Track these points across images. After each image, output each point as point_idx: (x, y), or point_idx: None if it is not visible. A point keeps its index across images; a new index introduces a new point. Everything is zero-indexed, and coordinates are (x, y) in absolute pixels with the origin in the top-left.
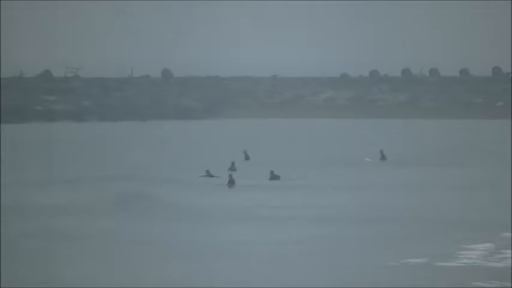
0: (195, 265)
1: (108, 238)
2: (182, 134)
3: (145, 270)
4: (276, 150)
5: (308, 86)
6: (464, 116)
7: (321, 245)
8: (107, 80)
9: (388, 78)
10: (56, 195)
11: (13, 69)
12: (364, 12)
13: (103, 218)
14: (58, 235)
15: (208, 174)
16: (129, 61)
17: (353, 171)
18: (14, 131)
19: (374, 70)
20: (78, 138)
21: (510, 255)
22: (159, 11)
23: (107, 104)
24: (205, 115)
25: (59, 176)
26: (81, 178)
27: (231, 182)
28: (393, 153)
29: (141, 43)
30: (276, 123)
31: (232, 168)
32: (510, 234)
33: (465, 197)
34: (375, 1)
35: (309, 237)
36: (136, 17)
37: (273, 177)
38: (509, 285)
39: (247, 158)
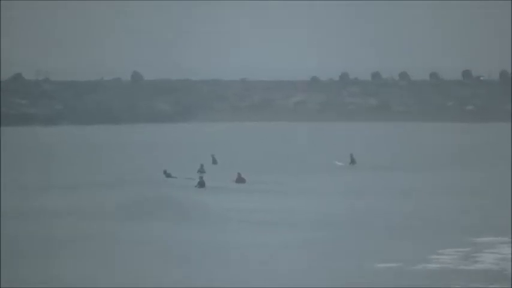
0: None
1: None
2: (153, 137)
3: (141, 270)
4: (245, 154)
5: (279, 90)
6: (435, 119)
7: (293, 249)
8: (78, 83)
9: (358, 82)
10: (32, 198)
11: None
12: (334, 16)
13: (98, 220)
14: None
15: (167, 175)
16: (100, 64)
17: (323, 175)
18: None
19: (344, 73)
20: (52, 142)
21: (483, 259)
22: (121, 13)
23: (79, 108)
24: (176, 118)
25: (34, 180)
26: (52, 184)
27: (201, 184)
28: (364, 157)
29: (111, 46)
30: (246, 127)
31: (201, 170)
32: (484, 239)
33: (436, 201)
34: (345, 4)
35: (279, 242)
36: (98, 20)
37: (240, 180)
38: (497, 286)
39: (214, 162)
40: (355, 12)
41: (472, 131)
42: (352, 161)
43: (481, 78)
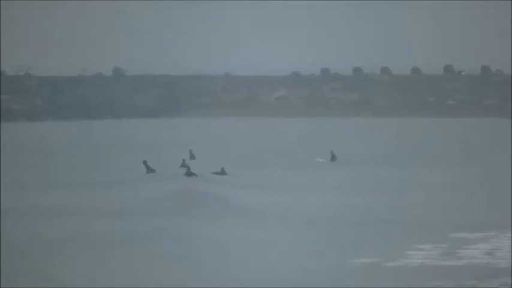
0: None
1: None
2: (136, 133)
3: (140, 270)
4: (225, 149)
5: (261, 85)
6: (417, 115)
7: (270, 245)
8: (59, 78)
9: (340, 77)
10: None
11: None
12: (315, 12)
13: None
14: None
15: (147, 168)
16: (81, 59)
17: (303, 171)
18: None
19: (325, 68)
20: (34, 138)
21: (462, 255)
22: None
23: (59, 103)
24: (158, 113)
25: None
26: (28, 182)
27: (189, 175)
28: (344, 153)
29: (92, 42)
30: (228, 122)
31: (184, 165)
32: (462, 234)
33: (417, 197)
34: (325, 2)
35: (255, 239)
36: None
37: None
38: (467, 283)
39: (192, 157)
40: (336, 9)
41: (454, 126)
42: (333, 158)
43: (463, 73)
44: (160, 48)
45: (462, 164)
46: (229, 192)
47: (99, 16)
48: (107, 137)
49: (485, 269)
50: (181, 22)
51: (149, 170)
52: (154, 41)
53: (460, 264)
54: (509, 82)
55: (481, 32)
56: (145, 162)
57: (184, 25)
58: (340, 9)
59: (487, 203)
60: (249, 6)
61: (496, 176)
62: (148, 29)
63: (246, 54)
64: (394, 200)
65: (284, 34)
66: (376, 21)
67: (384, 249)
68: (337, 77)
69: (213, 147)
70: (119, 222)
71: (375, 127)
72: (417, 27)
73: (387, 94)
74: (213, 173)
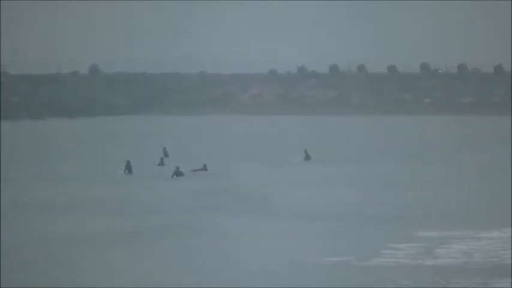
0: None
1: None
2: (111, 130)
3: (139, 270)
4: (198, 147)
5: (236, 83)
6: (393, 112)
7: (243, 242)
8: (35, 76)
9: (316, 75)
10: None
11: None
12: (292, 11)
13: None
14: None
15: (128, 168)
16: (56, 57)
17: (276, 169)
18: None
19: (301, 66)
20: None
21: (439, 254)
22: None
23: (35, 101)
24: (133, 111)
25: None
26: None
27: (177, 174)
28: (319, 151)
29: (67, 39)
30: (203, 120)
31: (161, 163)
32: (434, 233)
33: (390, 195)
34: (301, 2)
35: (230, 235)
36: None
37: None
38: (444, 282)
39: (166, 154)
40: (312, 7)
41: (430, 124)
42: (307, 157)
43: (439, 71)
44: (136, 46)
45: (439, 161)
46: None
47: (76, 13)
48: (81, 134)
49: (461, 268)
50: (159, 19)
51: (129, 170)
52: (131, 39)
53: (435, 263)
54: (486, 80)
55: (456, 30)
56: (128, 162)
57: (162, 22)
58: (317, 8)
59: (461, 202)
60: (224, 4)
61: (472, 174)
62: (124, 27)
63: (221, 52)
64: (368, 198)
65: (261, 32)
66: (352, 20)
67: (359, 247)
68: (313, 75)
69: (189, 145)
70: (118, 221)
71: (351, 125)
72: (393, 26)
73: (363, 92)
74: (194, 170)
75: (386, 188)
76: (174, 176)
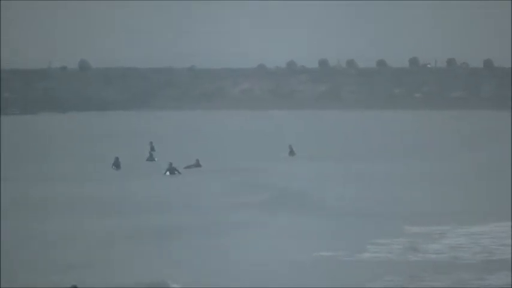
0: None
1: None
2: (103, 126)
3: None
4: (189, 142)
5: (227, 78)
6: (383, 107)
7: (230, 237)
8: (26, 71)
9: (305, 70)
10: None
11: None
12: (280, 6)
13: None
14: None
15: (116, 164)
16: (47, 52)
17: (263, 164)
18: None
19: (291, 61)
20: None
21: (428, 249)
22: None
23: (27, 96)
24: (125, 106)
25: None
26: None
27: (171, 171)
28: (308, 147)
29: (57, 35)
30: (194, 115)
31: (150, 158)
32: (424, 228)
33: (376, 191)
34: None
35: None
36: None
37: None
38: (427, 278)
39: (152, 149)
40: (301, 2)
41: (421, 119)
42: (291, 152)
43: (428, 65)
44: (127, 40)
45: (430, 157)
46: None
47: (66, 8)
48: (73, 130)
49: (448, 264)
50: (150, 15)
51: (117, 166)
52: (120, 34)
53: (419, 259)
54: (475, 75)
55: (445, 24)
56: (117, 159)
57: (152, 17)
58: (306, 3)
59: (445, 198)
60: (224, 4)
61: (465, 170)
62: (114, 22)
63: (211, 47)
64: (358, 194)
65: (250, 27)
66: (340, 15)
67: (345, 243)
68: (303, 70)
69: (179, 140)
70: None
71: (342, 120)
72: (382, 20)
73: (354, 87)
74: (188, 167)
75: (378, 183)
76: (168, 173)
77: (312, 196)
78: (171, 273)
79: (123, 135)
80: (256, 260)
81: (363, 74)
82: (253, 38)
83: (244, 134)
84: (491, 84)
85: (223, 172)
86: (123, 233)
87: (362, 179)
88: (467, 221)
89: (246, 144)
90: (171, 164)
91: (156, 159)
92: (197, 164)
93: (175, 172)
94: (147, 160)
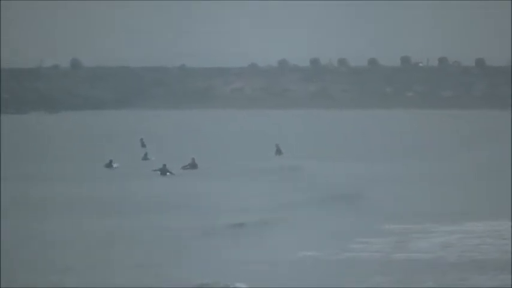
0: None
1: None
2: (95, 125)
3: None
4: (182, 142)
5: (218, 76)
6: (376, 106)
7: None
8: (16, 70)
9: (297, 68)
10: None
11: None
12: (272, 5)
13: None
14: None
15: (109, 165)
16: (38, 51)
17: (251, 163)
18: None
19: (282, 60)
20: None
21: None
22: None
23: (18, 95)
24: (116, 105)
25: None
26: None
27: (163, 172)
28: (293, 146)
29: (49, 33)
30: (184, 114)
31: (145, 157)
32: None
33: (364, 189)
34: None
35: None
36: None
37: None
38: (415, 278)
39: (143, 145)
40: (292, 1)
41: (413, 117)
42: (278, 151)
43: (420, 64)
44: (119, 40)
45: (423, 156)
46: None
47: (58, 8)
48: (66, 129)
49: (436, 263)
50: (142, 15)
51: (110, 166)
52: (112, 33)
53: (408, 258)
54: (466, 73)
55: (437, 23)
56: (111, 161)
57: (145, 17)
58: (298, 3)
59: (444, 198)
60: (224, 4)
61: (449, 169)
62: (105, 21)
63: (202, 46)
64: (349, 192)
65: (241, 26)
66: (332, 14)
67: (332, 241)
68: (295, 69)
69: (171, 138)
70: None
71: (333, 119)
72: (373, 20)
73: (345, 86)
74: (184, 167)
75: (358, 181)
76: (159, 173)
77: (304, 193)
78: (171, 273)
79: (117, 135)
80: (255, 260)
81: (355, 72)
82: (245, 37)
83: (233, 133)
84: (483, 82)
85: (220, 172)
86: (122, 233)
87: (361, 178)
88: (466, 220)
89: (235, 144)
90: (164, 165)
91: (152, 158)
92: (193, 164)
93: (168, 173)
94: (142, 160)
